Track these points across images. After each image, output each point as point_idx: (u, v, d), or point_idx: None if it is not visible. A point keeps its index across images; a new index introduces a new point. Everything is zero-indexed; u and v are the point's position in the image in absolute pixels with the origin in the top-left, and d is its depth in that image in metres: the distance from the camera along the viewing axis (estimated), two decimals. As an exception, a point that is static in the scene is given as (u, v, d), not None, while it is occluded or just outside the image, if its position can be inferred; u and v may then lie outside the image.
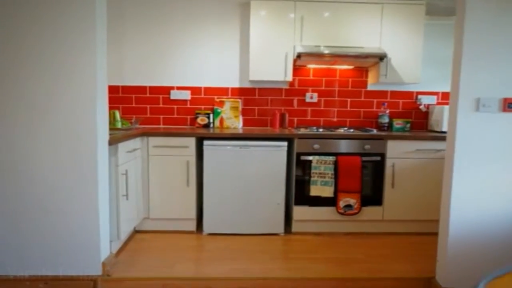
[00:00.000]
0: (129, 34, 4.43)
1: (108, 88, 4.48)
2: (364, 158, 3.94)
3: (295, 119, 4.65)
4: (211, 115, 4.47)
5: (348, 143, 3.96)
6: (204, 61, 4.52)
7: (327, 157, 3.89)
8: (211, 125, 4.48)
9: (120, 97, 4.50)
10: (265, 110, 4.61)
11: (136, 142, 3.68)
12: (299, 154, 3.93)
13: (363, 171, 3.93)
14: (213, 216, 3.94)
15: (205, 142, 3.89)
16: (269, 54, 4.18)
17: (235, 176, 3.90)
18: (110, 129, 3.57)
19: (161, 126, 4.57)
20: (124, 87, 4.49)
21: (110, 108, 4.44)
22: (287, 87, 4.60)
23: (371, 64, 4.42)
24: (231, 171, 3.90)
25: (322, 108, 4.65)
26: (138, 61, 4.47)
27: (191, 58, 4.51)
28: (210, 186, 3.91)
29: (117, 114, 4.01)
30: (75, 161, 2.81)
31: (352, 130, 4.15)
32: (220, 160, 3.88)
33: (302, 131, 4.08)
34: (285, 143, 3.90)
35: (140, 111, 4.52)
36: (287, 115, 4.57)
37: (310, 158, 3.89)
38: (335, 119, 4.68)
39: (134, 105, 4.53)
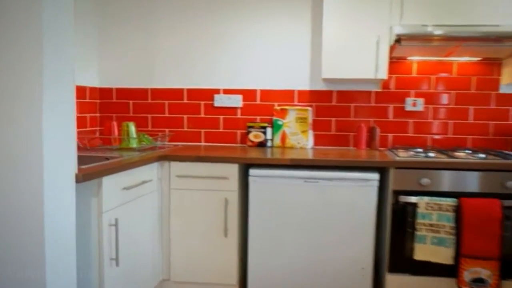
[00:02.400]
0: (160, 22, 3.30)
1: (131, 93, 3.39)
2: (507, 203, 2.45)
3: (390, 135, 3.24)
4: (269, 130, 3.21)
5: (478, 177, 2.49)
6: (260, 55, 3.26)
7: (444, 199, 2.45)
8: (269, 143, 3.22)
9: (148, 104, 3.38)
10: (346, 123, 3.26)
11: (148, 171, 2.51)
12: (397, 193, 2.54)
13: (505, 223, 2.45)
14: (263, 281, 2.65)
15: (252, 172, 2.62)
16: (352, 41, 2.84)
17: (297, 223, 2.60)
18: (120, 149, 2.87)
19: (202, 144, 3.38)
20: (154, 91, 3.37)
21: (129, 119, 3.34)
22: (378, 89, 3.22)
23: (510, 54, 2.91)
24: (290, 215, 2.60)
25: (430, 120, 3.20)
26: (172, 56, 3.32)
27: (243, 51, 3.28)
28: (258, 236, 2.64)
29: (132, 128, 2.87)
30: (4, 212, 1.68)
31: (483, 155, 2.67)
32: (274, 199, 2.60)
33: (402, 155, 2.68)
34: (375, 175, 2.53)
35: (175, 122, 3.37)
36: (378, 130, 3.18)
37: (415, 200, 2.48)
38: (450, 136, 3.21)
39: (167, 114, 3.38)
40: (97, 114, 3.41)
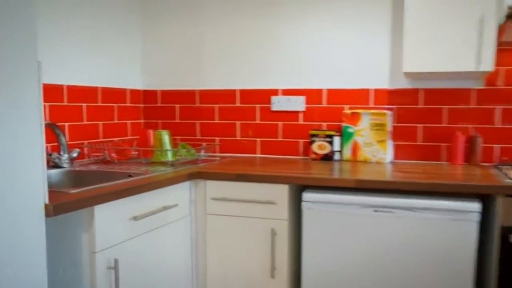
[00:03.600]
0: (209, 16, 2.82)
1: (177, 95, 3.00)
2: None
3: (497, 147, 2.48)
4: (337, 139, 2.59)
5: None
6: (327, 46, 2.65)
7: None
8: (336, 156, 2.60)
9: (196, 109, 2.90)
10: (437, 130, 2.55)
11: (175, 193, 2.03)
12: (507, 231, 1.82)
13: None
14: (322, 337, 2.06)
15: (306, 196, 2.03)
16: (444, 21, 2.14)
17: (364, 265, 1.96)
18: (152, 163, 2.40)
19: (258, 155, 2.84)
20: (203, 93, 2.89)
21: (174, 126, 2.90)
22: (481, 86, 2.47)
23: None
24: (356, 255, 1.96)
25: (555, 127, 2.41)
26: (222, 52, 2.82)
27: (304, 43, 2.69)
28: (314, 280, 2.03)
29: (165, 138, 2.40)
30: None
31: None
32: (334, 232, 1.99)
33: (515, 176, 1.95)
34: (476, 205, 1.82)
35: (226, 130, 2.86)
36: (480, 140, 2.44)
37: (536, 242, 1.76)
38: None
39: (217, 120, 2.89)
40: (141, 120, 3.01)
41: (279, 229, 2.07)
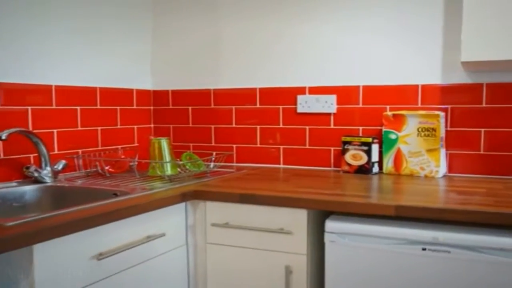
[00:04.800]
0: (225, 6, 2.41)
1: (190, 96, 2.65)
2: None
3: None
4: (375, 147, 2.10)
5: None
6: (363, 34, 2.17)
7: None
8: (375, 168, 2.11)
9: (211, 111, 2.48)
10: (506, 136, 2.00)
11: (164, 218, 1.61)
12: None
13: None
14: None
15: (329, 225, 1.57)
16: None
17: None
18: (148, 177, 2.00)
19: (281, 166, 2.39)
20: (218, 93, 2.47)
21: (187, 131, 2.53)
22: None
23: None
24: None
25: None
26: (240, 46, 2.39)
27: (335, 31, 2.21)
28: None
29: (165, 147, 1.99)
30: None
31: None
32: (366, 274, 1.50)
33: None
34: None
35: (245, 135, 2.43)
36: None
37: None
38: None
39: (234, 124, 2.46)
40: (151, 125, 2.63)
41: (296, 266, 1.62)
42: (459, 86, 2.03)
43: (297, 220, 1.60)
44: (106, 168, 2.09)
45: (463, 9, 1.69)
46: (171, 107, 2.58)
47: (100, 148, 2.28)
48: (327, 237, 1.56)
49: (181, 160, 2.06)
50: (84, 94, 2.20)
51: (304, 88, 2.29)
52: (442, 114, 1.98)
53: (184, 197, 1.69)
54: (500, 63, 1.73)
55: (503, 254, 1.34)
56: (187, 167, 2.04)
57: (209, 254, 1.75)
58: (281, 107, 2.34)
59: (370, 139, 2.07)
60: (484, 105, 2.00)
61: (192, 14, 2.48)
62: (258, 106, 2.38)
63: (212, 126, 2.49)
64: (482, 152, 2.02)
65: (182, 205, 1.72)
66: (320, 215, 1.73)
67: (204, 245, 1.75)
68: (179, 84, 2.55)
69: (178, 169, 2.04)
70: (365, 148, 2.08)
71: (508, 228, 1.41)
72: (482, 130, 2.01)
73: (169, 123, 2.59)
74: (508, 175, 1.99)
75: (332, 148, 2.26)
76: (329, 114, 2.25)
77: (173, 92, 2.56)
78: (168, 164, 1.97)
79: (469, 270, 1.38)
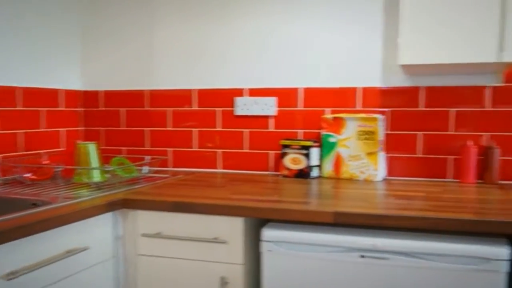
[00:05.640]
0: (162, 4, 2.29)
1: (122, 97, 2.44)
2: None
3: (520, 160, 1.95)
4: (315, 151, 2.06)
5: None
6: (303, 36, 2.11)
7: None
8: (314, 172, 2.06)
9: (145, 113, 2.35)
10: (442, 139, 2.00)
11: (89, 229, 1.47)
12: (547, 287, 1.29)
13: None
14: None
15: (266, 234, 1.49)
16: (453, 1, 1.62)
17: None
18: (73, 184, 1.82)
19: (219, 171, 2.29)
20: (154, 94, 2.34)
21: (119, 134, 2.39)
22: (499, 83, 1.93)
23: None
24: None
25: None
26: (177, 46, 2.28)
27: (275, 32, 2.15)
28: None
29: (92, 152, 1.85)
30: None
31: None
32: (304, 282, 1.43)
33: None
34: (504, 251, 1.28)
35: (182, 139, 2.32)
36: (497, 152, 1.90)
37: None
38: None
39: (170, 127, 2.35)
40: (80, 128, 2.45)
41: (232, 277, 1.52)
42: (398, 90, 2.02)
43: (233, 228, 1.51)
44: (27, 175, 1.91)
45: (399, 13, 1.67)
46: (102, 108, 2.42)
47: (21, 153, 2.09)
48: (264, 246, 1.48)
49: (110, 166, 1.92)
50: (1, 94, 2.01)
51: (242, 89, 2.20)
52: (381, 117, 1.95)
53: (111, 206, 1.55)
54: (436, 67, 1.73)
55: (441, 259, 1.31)
56: (117, 173, 1.90)
57: (140, 266, 1.62)
58: (218, 109, 2.24)
59: (309, 143, 2.02)
60: (421, 108, 2.00)
61: (125, 12, 2.34)
62: (194, 108, 2.28)
63: (146, 129, 2.35)
64: (419, 155, 2.02)
65: (109, 215, 1.58)
66: (258, 222, 1.65)
67: (135, 257, 1.62)
68: (112, 85, 2.39)
69: (108, 176, 1.89)
70: (305, 151, 2.02)
71: (446, 233, 1.39)
72: (419, 133, 2.01)
73: (101, 126, 2.43)
74: (444, 178, 2.00)
75: (271, 152, 2.19)
76: (268, 116, 2.18)
77: (106, 92, 2.40)
78: (96, 171, 1.83)
79: (407, 277, 1.34)
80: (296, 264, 1.45)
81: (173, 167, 2.32)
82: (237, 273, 1.52)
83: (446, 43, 1.63)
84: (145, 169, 2.02)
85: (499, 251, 1.27)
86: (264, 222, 1.59)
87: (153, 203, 1.56)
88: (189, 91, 2.27)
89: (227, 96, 2.23)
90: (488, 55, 1.58)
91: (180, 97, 2.29)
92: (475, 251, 1.28)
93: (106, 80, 2.40)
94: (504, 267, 1.27)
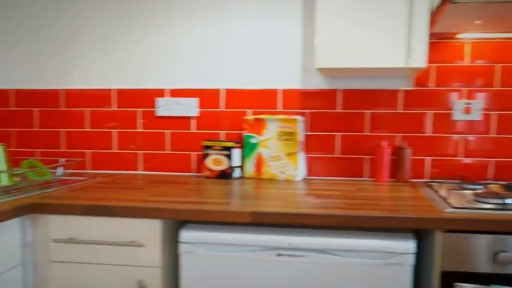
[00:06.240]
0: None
1: (36, 96, 2.25)
2: None
3: (428, 159, 2.06)
4: (236, 152, 2.07)
5: None
6: (225, 37, 2.13)
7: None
8: (236, 173, 2.07)
9: (61, 113, 2.24)
10: (358, 140, 2.09)
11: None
12: (449, 278, 1.37)
13: None
14: None
15: (185, 235, 1.47)
16: (366, 4, 1.68)
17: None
18: None
19: (140, 172, 2.25)
20: (70, 94, 2.25)
21: (32, 136, 2.27)
22: (410, 86, 2.04)
23: None
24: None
25: (492, 136, 2.02)
26: (95, 43, 2.20)
27: (197, 33, 2.15)
28: None
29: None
30: None
31: None
32: (222, 282, 1.43)
33: (454, 201, 1.51)
34: (409, 245, 1.35)
35: (100, 140, 2.24)
36: (408, 152, 2.01)
37: (486, 293, 1.32)
38: (526, 161, 2.02)
39: (88, 128, 2.26)
40: (-11, 129, 2.31)
41: (149, 280, 1.49)
42: (317, 92, 2.08)
43: (150, 231, 1.48)
44: None
45: (315, 17, 1.72)
46: (13, 108, 2.28)
47: None
48: (182, 248, 1.46)
49: (20, 169, 1.81)
50: None
51: (163, 90, 2.17)
52: (300, 118, 2.00)
53: (19, 211, 1.46)
54: (351, 71, 1.79)
55: (353, 255, 1.36)
56: (28, 176, 1.80)
57: (52, 273, 1.54)
58: (139, 110, 2.19)
59: (231, 144, 2.02)
60: (339, 110, 2.07)
61: (40, 7, 2.22)
62: (114, 108, 2.21)
63: (62, 130, 2.25)
64: (337, 155, 2.09)
65: (16, 221, 1.49)
66: (178, 224, 1.63)
67: (46, 263, 1.54)
68: (24, 83, 2.27)
69: (17, 179, 1.79)
70: (227, 152, 2.02)
71: (358, 230, 1.44)
72: (337, 134, 2.08)
73: (11, 127, 2.29)
74: (360, 177, 2.08)
75: (193, 153, 2.18)
76: (191, 117, 2.16)
77: (17, 91, 2.27)
78: (4, 174, 1.72)
79: (322, 273, 1.38)
80: (214, 265, 1.44)
81: (92, 169, 2.24)
82: (155, 276, 1.49)
83: (359, 48, 1.69)
84: (59, 171, 1.93)
85: (406, 245, 1.34)
86: (184, 224, 1.57)
87: (65, 207, 1.49)
88: (108, 91, 2.20)
89: (148, 97, 2.18)
90: (397, 60, 1.66)
91: (99, 97, 2.21)
92: (384, 246, 1.35)
93: (17, 79, 2.27)
94: (410, 260, 1.34)
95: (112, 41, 2.18)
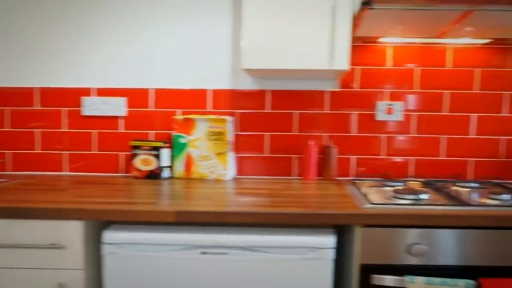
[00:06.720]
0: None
1: None
2: None
3: (353, 158, 2.14)
4: (165, 152, 2.05)
5: (506, 237, 1.42)
6: (153, 37, 2.11)
7: (453, 281, 1.36)
8: (165, 173, 2.05)
9: (-20, 111, 2.15)
10: (287, 139, 2.13)
11: None
12: (367, 270, 1.43)
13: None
14: None
15: (107, 236, 1.44)
16: (291, 7, 1.72)
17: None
18: None
19: (65, 173, 2.17)
20: (-10, 91, 2.15)
21: None
22: (336, 88, 2.11)
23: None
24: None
25: (413, 135, 2.13)
26: (18, 41, 2.12)
27: (127, 34, 2.11)
28: None
29: None
30: None
31: (507, 197, 1.59)
32: (147, 283, 1.43)
33: (374, 197, 1.58)
34: (329, 240, 1.40)
35: (22, 140, 2.15)
36: (334, 151, 2.07)
37: (401, 282, 1.38)
38: (443, 159, 2.14)
39: (8, 128, 2.16)
40: None
41: (71, 283, 1.44)
42: (247, 92, 2.10)
43: (71, 233, 1.44)
44: None
45: (242, 19, 1.73)
46: None
47: None
48: (105, 249, 1.43)
49: None
50: None
51: (89, 89, 2.11)
52: (229, 118, 2.01)
53: None
54: (278, 72, 1.82)
55: (276, 251, 1.39)
56: None
57: (-38, 281, 1.46)
58: (64, 109, 2.12)
59: (160, 144, 2.00)
60: (267, 110, 2.10)
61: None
62: (37, 107, 2.12)
63: (-19, 130, 2.15)
64: (266, 154, 2.12)
65: None
66: (102, 225, 1.59)
67: (-44, 270, 1.46)
68: None
69: None
70: (155, 152, 2.00)
71: (281, 227, 1.48)
72: (266, 134, 2.11)
73: None
74: (289, 175, 2.13)
75: (122, 153, 2.13)
76: (119, 117, 2.12)
77: None
78: None
79: (245, 269, 1.40)
80: (139, 265, 1.42)
81: (13, 171, 2.14)
82: (76, 278, 1.45)
83: (284, 50, 1.72)
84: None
85: (326, 240, 1.39)
86: (104, 226, 1.54)
87: (-22, 209, 1.42)
88: (30, 90, 2.11)
89: (73, 96, 2.11)
90: (320, 62, 1.71)
91: (20, 95, 2.11)
92: (305, 242, 1.38)
93: None
94: (330, 255, 1.39)
95: (37, 38, 2.10)
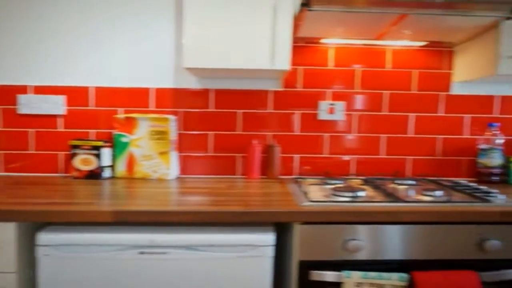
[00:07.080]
0: None
1: None
2: (486, 277, 1.45)
3: (297, 156, 2.17)
4: (106, 151, 2.00)
5: (442, 235, 1.48)
6: (96, 34, 2.05)
7: (388, 275, 1.40)
8: (106, 173, 2.01)
9: None
10: (231, 138, 2.14)
11: None
12: (306, 266, 1.45)
13: (487, 316, 1.45)
14: None
15: (41, 238, 1.40)
16: (232, 6, 1.73)
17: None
18: None
19: (1, 174, 2.09)
20: None
21: None
22: (279, 88, 2.13)
23: (468, 36, 1.95)
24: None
25: (354, 135, 2.18)
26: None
27: (68, 33, 2.05)
28: None
29: None
30: None
31: (439, 194, 1.67)
32: (85, 284, 1.38)
33: (314, 195, 1.61)
34: (269, 237, 1.41)
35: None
36: (278, 150, 2.10)
37: (338, 277, 1.41)
38: (383, 157, 2.20)
39: None
40: None
41: (4, 287, 1.40)
42: (190, 91, 2.09)
43: (4, 235, 1.38)
44: None
45: (183, 18, 1.72)
46: None
47: None
48: (40, 251, 1.38)
49: None
50: None
51: (26, 87, 2.04)
52: (172, 117, 1.99)
53: None
54: (220, 71, 1.82)
55: (216, 249, 1.39)
56: None
57: None
58: (-1, 107, 2.04)
59: (100, 143, 1.95)
60: (211, 109, 2.09)
61: None
62: (-30, 105, 2.03)
63: None
64: (210, 153, 2.11)
65: None
66: (37, 227, 1.54)
67: None
68: None
69: None
70: (96, 152, 1.95)
71: (221, 225, 1.48)
72: (210, 133, 2.10)
73: None
74: (233, 174, 2.13)
75: (61, 153, 2.07)
76: (57, 116, 2.06)
77: None
78: None
79: (185, 268, 1.39)
80: (75, 267, 1.39)
81: None
82: (9, 282, 1.39)
83: (225, 49, 1.72)
84: None
85: (265, 238, 1.40)
86: (38, 227, 1.49)
87: None
88: (-38, 86, 2.02)
89: (8, 93, 2.03)
90: (262, 62, 1.72)
91: (-49, 92, 2.02)
92: (244, 240, 1.39)
93: None
94: (269, 252, 1.40)
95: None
